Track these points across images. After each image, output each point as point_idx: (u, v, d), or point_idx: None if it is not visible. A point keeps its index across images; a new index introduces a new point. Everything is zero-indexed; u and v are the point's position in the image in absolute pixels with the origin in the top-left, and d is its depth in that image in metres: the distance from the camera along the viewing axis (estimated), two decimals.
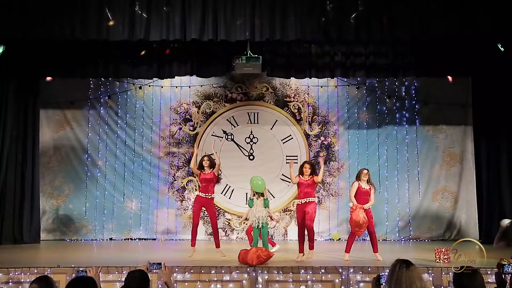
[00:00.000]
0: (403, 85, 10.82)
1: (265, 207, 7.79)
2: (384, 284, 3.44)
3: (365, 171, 7.65)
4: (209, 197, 7.70)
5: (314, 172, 7.64)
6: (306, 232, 7.61)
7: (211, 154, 7.95)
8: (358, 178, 7.66)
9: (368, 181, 7.61)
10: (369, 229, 7.46)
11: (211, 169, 7.74)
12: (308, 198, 7.54)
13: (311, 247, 7.56)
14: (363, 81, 10.66)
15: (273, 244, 8.35)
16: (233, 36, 7.94)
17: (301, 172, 7.65)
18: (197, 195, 7.83)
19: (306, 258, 7.41)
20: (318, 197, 10.57)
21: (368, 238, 7.78)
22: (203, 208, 7.93)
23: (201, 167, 7.82)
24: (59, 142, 10.61)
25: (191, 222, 10.40)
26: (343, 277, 6.45)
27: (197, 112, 10.81)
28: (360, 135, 10.77)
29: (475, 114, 10.49)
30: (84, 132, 10.68)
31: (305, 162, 7.86)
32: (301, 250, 7.55)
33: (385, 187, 10.49)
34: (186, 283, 6.45)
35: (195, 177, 10.57)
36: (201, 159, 7.91)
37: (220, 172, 8.01)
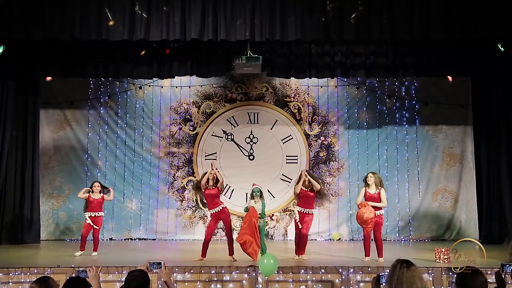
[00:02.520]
0: (403, 85, 10.83)
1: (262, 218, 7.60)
2: (384, 284, 3.44)
3: (370, 175, 7.64)
4: (220, 208, 7.62)
5: (310, 181, 7.69)
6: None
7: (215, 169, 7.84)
8: (364, 183, 7.67)
9: (377, 185, 7.55)
10: (375, 234, 7.45)
11: (215, 185, 7.66)
12: (309, 210, 7.67)
13: (302, 253, 7.60)
14: (363, 81, 10.66)
15: (82, 249, 8.00)
16: (233, 36, 7.94)
17: (299, 181, 7.73)
18: (211, 214, 7.68)
19: (301, 259, 7.47)
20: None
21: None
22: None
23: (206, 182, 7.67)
24: (59, 142, 10.62)
25: (192, 223, 10.55)
26: (343, 277, 6.45)
27: (197, 112, 10.81)
28: (360, 135, 10.78)
29: (475, 114, 10.50)
30: (84, 132, 10.69)
31: (303, 171, 7.95)
32: (297, 253, 7.66)
33: (385, 187, 10.41)
34: (186, 283, 6.45)
35: (195, 177, 10.57)
36: (209, 175, 7.67)
37: (223, 187, 7.97)
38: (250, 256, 7.13)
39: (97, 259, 7.66)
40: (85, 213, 8.10)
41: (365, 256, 7.45)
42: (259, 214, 7.50)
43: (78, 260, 7.56)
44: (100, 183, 8.37)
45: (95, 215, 8.09)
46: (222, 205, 7.66)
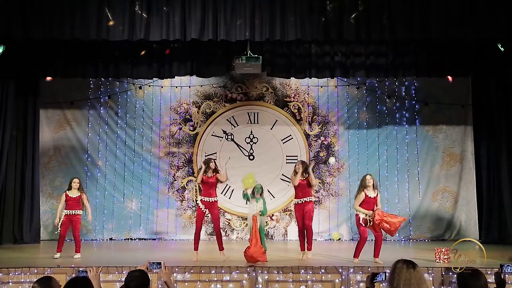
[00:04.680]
0: (403, 85, 10.83)
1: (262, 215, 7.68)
2: (384, 284, 3.43)
3: (369, 177, 7.40)
4: (212, 200, 7.67)
5: (306, 171, 7.69)
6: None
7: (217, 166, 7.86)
8: (363, 186, 7.35)
9: (374, 187, 7.37)
10: (376, 232, 7.34)
11: (214, 173, 7.70)
12: (306, 198, 7.63)
13: (309, 248, 7.57)
14: (363, 81, 10.66)
15: (59, 250, 7.82)
16: (233, 36, 7.93)
17: (295, 173, 7.76)
18: (200, 200, 7.70)
19: (305, 259, 7.42)
20: (318, 197, 10.58)
21: (369, 239, 7.73)
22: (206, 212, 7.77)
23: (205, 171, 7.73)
24: (59, 142, 10.62)
25: (192, 223, 10.54)
26: (343, 277, 6.45)
27: (197, 112, 10.82)
28: (360, 135, 10.78)
29: (475, 114, 10.50)
30: (84, 132, 10.69)
31: (298, 161, 7.98)
32: (302, 248, 7.63)
33: (385, 187, 10.49)
34: (186, 283, 6.46)
35: (194, 177, 10.58)
36: (208, 161, 7.80)
37: (225, 179, 7.96)
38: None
39: (96, 260, 7.66)
40: (63, 210, 7.95)
41: (374, 257, 7.32)
42: (260, 211, 7.54)
43: (78, 260, 7.55)
44: (79, 181, 8.19)
45: (71, 214, 7.91)
46: (215, 198, 7.68)
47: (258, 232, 7.36)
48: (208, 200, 7.64)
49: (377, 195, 7.37)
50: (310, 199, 7.68)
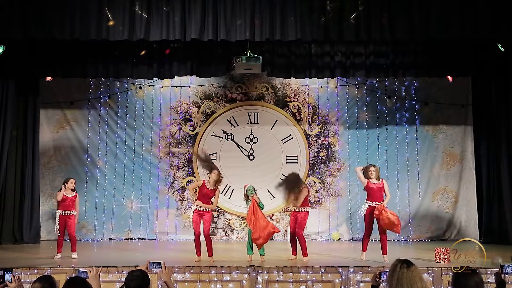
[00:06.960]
0: (403, 85, 10.82)
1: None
2: (385, 283, 3.44)
3: (372, 168, 7.58)
4: (207, 209, 7.67)
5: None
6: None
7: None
8: (365, 175, 7.58)
9: (378, 177, 7.55)
10: (382, 229, 7.40)
11: (216, 186, 7.65)
12: (303, 208, 7.68)
13: (305, 255, 7.56)
14: (363, 81, 10.66)
15: (59, 251, 7.79)
16: (233, 36, 7.94)
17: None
18: (195, 209, 7.69)
19: (306, 260, 7.44)
20: (318, 197, 10.59)
21: (372, 239, 7.72)
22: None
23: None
24: (59, 142, 10.61)
25: (191, 226, 10.52)
26: (343, 277, 6.45)
27: (197, 112, 10.82)
28: (360, 135, 10.78)
29: (475, 114, 10.50)
30: (84, 132, 10.68)
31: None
32: (294, 253, 7.67)
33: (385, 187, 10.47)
34: (186, 283, 6.46)
35: (194, 177, 10.59)
36: (212, 172, 7.68)
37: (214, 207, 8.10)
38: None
39: (96, 260, 7.66)
40: (57, 211, 7.90)
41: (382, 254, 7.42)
42: (258, 203, 7.56)
43: (78, 260, 7.55)
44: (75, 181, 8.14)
45: (66, 214, 7.81)
46: (209, 208, 7.71)
47: (258, 211, 7.35)
48: (203, 210, 7.63)
49: (382, 182, 7.50)
50: (307, 210, 7.73)
